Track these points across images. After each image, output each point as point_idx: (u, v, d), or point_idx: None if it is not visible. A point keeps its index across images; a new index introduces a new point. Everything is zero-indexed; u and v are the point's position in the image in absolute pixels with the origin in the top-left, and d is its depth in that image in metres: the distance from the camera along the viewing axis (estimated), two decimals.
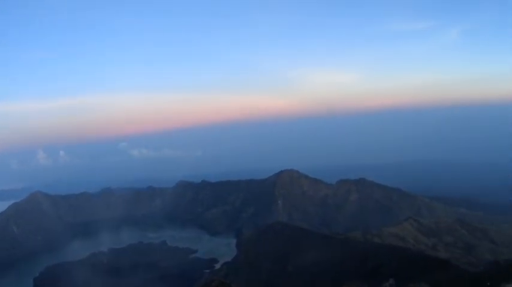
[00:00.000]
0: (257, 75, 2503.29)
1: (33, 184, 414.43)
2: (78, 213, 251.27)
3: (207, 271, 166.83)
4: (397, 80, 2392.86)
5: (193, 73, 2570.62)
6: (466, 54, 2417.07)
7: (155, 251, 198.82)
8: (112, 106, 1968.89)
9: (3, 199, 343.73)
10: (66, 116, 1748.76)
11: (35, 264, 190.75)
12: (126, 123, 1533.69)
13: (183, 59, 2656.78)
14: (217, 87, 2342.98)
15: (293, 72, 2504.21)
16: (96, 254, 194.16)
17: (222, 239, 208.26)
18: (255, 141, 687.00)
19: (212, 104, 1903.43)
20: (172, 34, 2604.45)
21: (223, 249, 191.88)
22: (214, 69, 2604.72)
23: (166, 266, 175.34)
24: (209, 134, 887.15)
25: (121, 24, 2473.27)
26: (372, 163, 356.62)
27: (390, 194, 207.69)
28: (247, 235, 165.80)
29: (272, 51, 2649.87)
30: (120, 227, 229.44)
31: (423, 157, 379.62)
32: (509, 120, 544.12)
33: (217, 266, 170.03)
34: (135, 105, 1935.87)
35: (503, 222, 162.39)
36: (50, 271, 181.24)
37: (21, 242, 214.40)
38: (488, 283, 55.71)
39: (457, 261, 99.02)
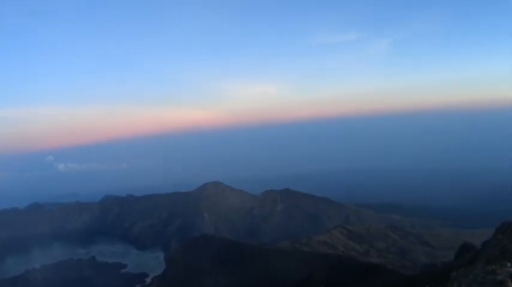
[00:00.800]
0: (184, 88, 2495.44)
1: None
2: (7, 229, 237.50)
3: (138, 286, 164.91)
4: (327, 90, 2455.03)
5: (118, 85, 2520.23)
6: (394, 64, 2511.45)
7: (86, 267, 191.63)
8: (37, 119, 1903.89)
9: None
10: None
11: None
12: (52, 137, 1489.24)
13: (107, 70, 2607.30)
14: (142, 100, 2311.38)
15: (220, 84, 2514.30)
16: (30, 271, 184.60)
17: (150, 253, 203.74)
18: (182, 153, 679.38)
19: (137, 117, 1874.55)
20: (97, 45, 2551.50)
21: (152, 263, 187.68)
22: (138, 81, 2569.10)
23: (99, 282, 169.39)
24: (135, 147, 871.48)
25: (46, 37, 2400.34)
26: (298, 173, 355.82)
27: (317, 203, 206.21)
28: (174, 248, 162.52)
29: (198, 62, 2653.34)
30: (50, 243, 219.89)
31: (350, 166, 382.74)
32: (433, 128, 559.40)
33: (148, 280, 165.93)
34: (61, 118, 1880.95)
35: (439, 226, 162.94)
36: None
37: None
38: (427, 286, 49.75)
39: (391, 265, 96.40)
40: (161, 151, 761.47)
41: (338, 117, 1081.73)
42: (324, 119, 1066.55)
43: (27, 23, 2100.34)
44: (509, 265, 13.17)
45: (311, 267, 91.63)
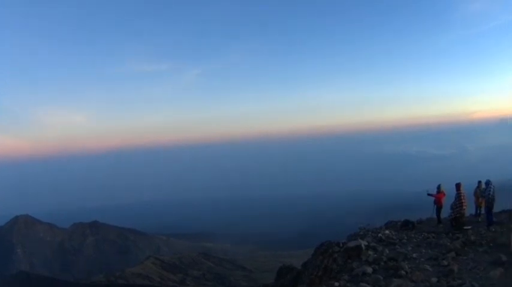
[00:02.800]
0: None
1: None
2: None
3: None
4: (138, 120, 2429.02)
5: None
6: (206, 94, 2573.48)
7: None
8: None
9: None
10: None
11: None
12: None
13: None
14: None
15: (29, 112, 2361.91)
16: None
17: None
18: None
19: None
20: None
21: None
22: None
23: None
24: None
25: None
26: (106, 204, 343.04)
27: (126, 235, 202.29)
28: None
29: (7, 89, 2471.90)
30: None
31: (157, 196, 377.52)
32: (245, 156, 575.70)
33: None
34: None
35: (253, 250, 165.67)
36: None
37: None
38: None
39: None
40: None
41: (148, 147, 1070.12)
42: (135, 148, 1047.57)
43: None
44: (336, 284, 12.96)
45: None
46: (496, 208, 21.69)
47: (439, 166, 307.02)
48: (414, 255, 15.34)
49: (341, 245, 17.75)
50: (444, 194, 22.67)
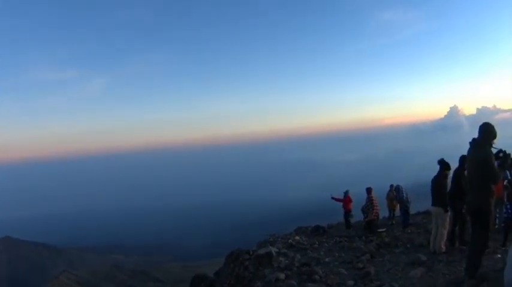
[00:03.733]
0: None
1: None
2: None
3: None
4: (44, 129, 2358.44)
5: None
6: (111, 103, 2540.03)
7: None
8: None
9: None
10: None
11: None
12: None
13: None
14: None
15: None
16: None
17: None
18: None
19: None
20: None
21: None
22: None
23: None
24: None
25: None
26: (15, 218, 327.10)
27: (39, 250, 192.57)
28: None
29: None
30: None
31: (66, 209, 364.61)
32: (152, 166, 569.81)
33: None
34: None
35: (166, 261, 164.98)
36: None
37: None
38: None
39: None
40: None
41: (56, 158, 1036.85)
42: (40, 160, 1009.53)
43: None
44: None
45: None
46: (411, 210, 21.82)
47: (348, 171, 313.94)
48: (327, 259, 14.66)
49: (251, 253, 17.06)
50: (351, 200, 22.82)
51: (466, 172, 9.83)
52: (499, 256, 11.07)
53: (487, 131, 8.05)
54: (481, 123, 8.25)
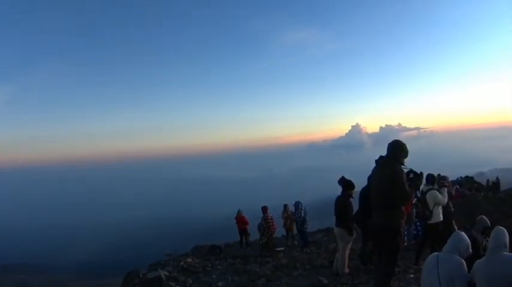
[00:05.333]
0: None
1: None
2: None
3: None
4: None
5: None
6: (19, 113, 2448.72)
7: None
8: None
9: None
10: None
11: None
12: None
13: None
14: None
15: None
16: None
17: None
18: None
19: None
20: None
21: None
22: None
23: None
24: None
25: None
26: None
27: None
28: None
29: None
30: None
31: None
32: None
33: None
34: None
35: (69, 280, 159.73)
36: None
37: None
38: None
39: None
40: None
41: None
42: None
43: None
44: None
45: None
46: (312, 228, 21.52)
47: (246, 189, 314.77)
48: (220, 284, 13.13)
49: (141, 276, 15.50)
50: (244, 218, 22.42)
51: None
52: (412, 275, 10.23)
53: (397, 149, 7.34)
54: (384, 141, 7.66)
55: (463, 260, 5.61)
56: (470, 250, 5.76)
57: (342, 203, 11.27)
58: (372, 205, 7.51)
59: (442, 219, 11.32)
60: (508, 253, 5.37)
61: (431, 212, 11.15)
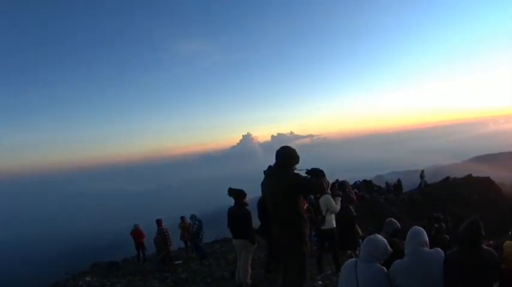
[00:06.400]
0: None
1: None
2: None
3: None
4: None
5: None
6: None
7: None
8: None
9: None
10: None
11: None
12: None
13: None
14: None
15: None
16: None
17: None
18: None
19: None
20: None
21: None
22: None
23: None
24: None
25: None
26: None
27: None
28: None
29: None
30: None
31: None
32: None
33: None
34: None
35: None
36: None
37: None
38: None
39: None
40: None
41: None
42: None
43: None
44: None
45: None
46: (209, 238, 21.70)
47: (140, 202, 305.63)
48: None
49: None
50: (141, 231, 21.95)
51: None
52: (320, 282, 10.22)
53: (287, 156, 6.83)
54: (276, 149, 6.90)
55: (383, 267, 5.36)
56: (390, 249, 5.48)
57: (237, 214, 10.70)
58: (272, 215, 7.06)
59: (335, 226, 10.93)
60: (431, 250, 5.33)
61: (323, 217, 10.74)
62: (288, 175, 6.71)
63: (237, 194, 10.79)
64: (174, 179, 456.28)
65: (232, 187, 10.89)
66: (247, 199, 10.87)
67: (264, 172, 7.12)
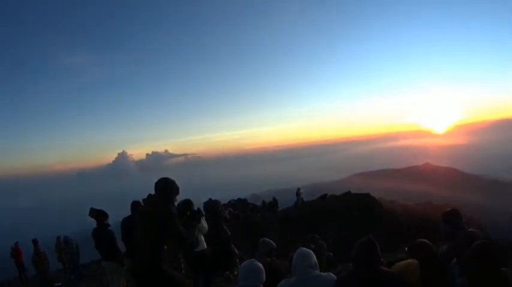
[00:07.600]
0: None
1: None
2: None
3: None
4: None
5: None
6: None
7: None
8: None
9: None
10: None
11: None
12: None
13: None
14: None
15: None
16: None
17: None
18: None
19: None
20: None
21: None
22: None
23: None
24: None
25: None
26: None
27: None
28: None
29: None
30: None
31: None
32: None
33: None
34: None
35: None
36: None
37: None
38: None
39: None
40: None
41: None
42: None
43: None
44: None
45: None
46: (86, 259, 21.09)
47: (17, 220, 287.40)
48: None
49: None
50: (19, 249, 21.33)
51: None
52: None
53: (167, 188, 6.68)
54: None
55: None
56: (264, 276, 5.21)
57: (103, 235, 10.51)
58: (138, 241, 6.69)
59: (206, 247, 10.34)
60: (324, 273, 5.11)
61: (196, 238, 10.04)
62: (164, 209, 6.54)
63: (99, 214, 10.59)
64: (51, 196, 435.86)
65: (105, 205, 11.00)
66: (111, 218, 10.74)
67: (143, 200, 7.20)
